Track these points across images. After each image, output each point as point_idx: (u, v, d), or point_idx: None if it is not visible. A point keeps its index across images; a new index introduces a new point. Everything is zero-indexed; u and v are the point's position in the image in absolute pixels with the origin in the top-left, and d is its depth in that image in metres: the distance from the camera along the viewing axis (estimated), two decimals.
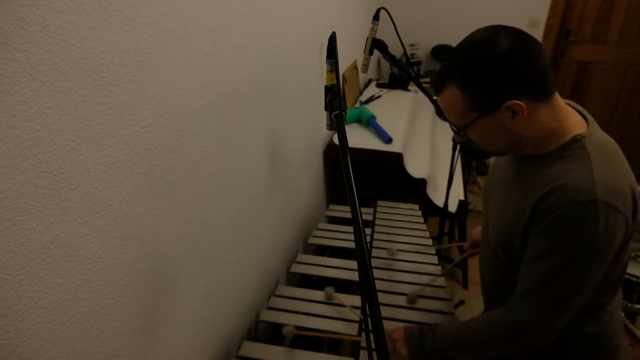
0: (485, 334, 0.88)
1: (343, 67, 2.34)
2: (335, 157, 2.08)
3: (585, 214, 0.72)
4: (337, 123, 0.74)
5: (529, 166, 0.83)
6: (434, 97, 0.86)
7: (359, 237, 0.55)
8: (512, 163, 0.90)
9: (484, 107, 0.76)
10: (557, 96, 0.79)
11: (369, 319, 0.51)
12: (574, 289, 0.77)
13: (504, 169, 0.94)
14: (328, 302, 1.30)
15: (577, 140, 0.77)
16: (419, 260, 1.50)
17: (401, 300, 1.30)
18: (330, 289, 1.31)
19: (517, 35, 0.73)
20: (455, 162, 1.66)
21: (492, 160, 3.49)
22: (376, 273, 1.42)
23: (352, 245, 1.60)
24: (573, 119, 0.81)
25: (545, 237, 0.77)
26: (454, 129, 0.84)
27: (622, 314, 1.89)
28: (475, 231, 1.30)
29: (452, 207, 1.98)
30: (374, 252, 1.56)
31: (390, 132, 2.02)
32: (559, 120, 0.79)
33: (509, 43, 0.72)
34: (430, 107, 2.82)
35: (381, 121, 2.12)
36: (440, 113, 1.56)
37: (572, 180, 0.73)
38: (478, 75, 0.74)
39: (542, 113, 0.77)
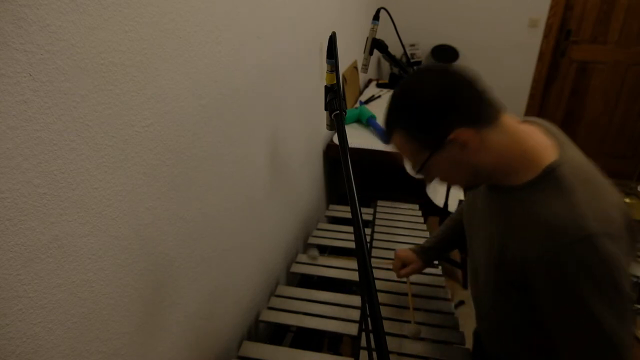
0: None
1: (343, 67, 2.34)
2: (335, 157, 2.08)
3: (586, 254, 0.65)
4: (337, 123, 0.74)
5: (505, 199, 0.78)
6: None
7: (359, 237, 0.55)
8: (489, 193, 0.85)
9: (431, 144, 0.75)
10: (507, 119, 0.76)
11: (369, 319, 0.51)
12: (625, 334, 0.67)
13: (481, 198, 0.89)
14: (327, 302, 1.30)
15: (552, 169, 0.71)
16: None
17: (401, 301, 1.30)
18: (314, 251, 1.29)
19: (442, 71, 0.75)
20: None
21: None
22: (376, 273, 1.42)
23: (352, 245, 1.60)
24: (534, 140, 0.76)
25: (561, 301, 0.69)
26: (413, 170, 0.82)
27: None
28: (400, 250, 1.25)
29: (452, 207, 1.98)
30: (374, 252, 1.56)
31: None
32: (517, 142, 0.75)
33: (433, 79, 0.74)
34: None
35: (381, 121, 2.11)
36: None
37: (556, 219, 0.67)
38: (415, 116, 0.74)
39: (493, 138, 0.74)
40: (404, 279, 1.28)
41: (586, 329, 0.68)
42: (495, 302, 0.89)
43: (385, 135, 0.82)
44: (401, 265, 1.24)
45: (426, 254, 1.22)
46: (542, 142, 0.76)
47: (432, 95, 0.73)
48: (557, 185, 0.70)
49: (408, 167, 0.87)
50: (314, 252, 1.32)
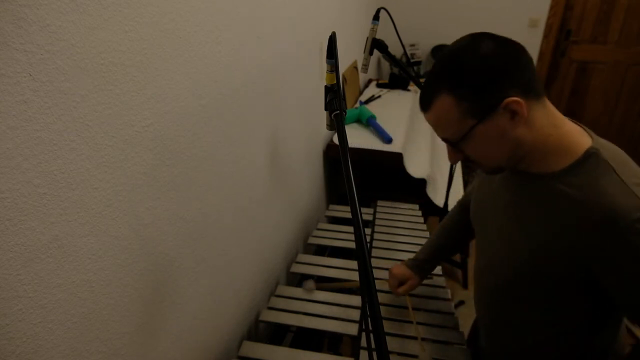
0: None
1: (343, 67, 2.34)
2: (335, 157, 2.08)
3: None
4: (337, 123, 0.74)
5: (542, 187, 0.76)
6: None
7: (359, 237, 0.55)
8: (513, 181, 0.83)
9: (481, 110, 0.71)
10: (547, 101, 0.76)
11: (369, 319, 0.51)
12: None
13: (500, 189, 0.87)
14: (327, 302, 1.30)
15: (592, 153, 0.71)
16: None
17: (401, 301, 1.30)
18: (310, 283, 1.29)
19: (498, 38, 0.72)
20: None
21: None
22: (376, 273, 1.42)
23: (352, 245, 1.60)
24: (570, 125, 0.77)
25: (631, 277, 0.69)
26: (450, 143, 0.78)
27: None
28: (395, 268, 1.21)
29: (452, 207, 1.98)
30: (374, 252, 1.56)
31: (390, 132, 2.02)
32: (556, 125, 0.75)
33: (493, 44, 0.71)
34: None
35: (381, 121, 2.12)
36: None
37: (614, 200, 0.66)
38: (469, 76, 0.70)
39: (538, 114, 0.73)
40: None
41: None
42: (519, 297, 0.86)
43: (424, 100, 0.76)
44: (398, 283, 1.19)
45: (421, 268, 1.19)
46: (576, 128, 0.77)
47: (490, 57, 0.69)
48: (602, 168, 0.70)
49: (447, 153, 0.81)
50: (310, 284, 1.30)
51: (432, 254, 1.20)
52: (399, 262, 1.25)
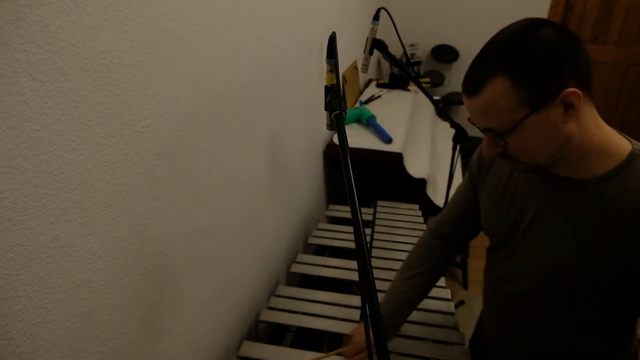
0: None
1: (343, 67, 2.34)
2: (335, 157, 2.08)
3: None
4: (337, 123, 0.74)
5: (587, 190, 0.72)
6: (467, 98, 0.73)
7: (359, 237, 0.55)
8: (551, 186, 0.78)
9: (539, 99, 0.65)
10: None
11: (369, 319, 0.51)
12: None
13: (535, 195, 0.81)
14: (327, 302, 1.30)
15: (637, 155, 0.69)
16: None
17: None
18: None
19: (559, 25, 0.67)
20: (455, 162, 1.65)
21: None
22: (376, 273, 1.42)
23: (352, 245, 1.60)
24: (607, 127, 0.73)
25: None
26: (496, 133, 0.71)
27: None
28: (355, 333, 1.03)
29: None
30: (374, 252, 1.56)
31: (390, 132, 2.02)
32: (599, 125, 0.72)
33: (554, 30, 0.65)
34: (430, 107, 2.82)
35: (381, 121, 2.12)
36: (441, 113, 1.56)
37: None
38: (532, 61, 0.64)
39: (587, 112, 0.69)
40: None
41: None
42: (555, 301, 0.82)
43: (474, 83, 0.69)
44: (355, 350, 1.00)
45: (395, 325, 1.03)
46: (611, 129, 0.74)
47: (553, 43, 0.64)
48: None
49: (486, 144, 0.74)
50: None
51: (399, 308, 1.02)
52: (357, 325, 1.10)
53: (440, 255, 1.06)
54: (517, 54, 0.65)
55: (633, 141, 0.74)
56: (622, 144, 0.72)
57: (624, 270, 0.71)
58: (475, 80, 0.69)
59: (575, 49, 0.66)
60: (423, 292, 1.06)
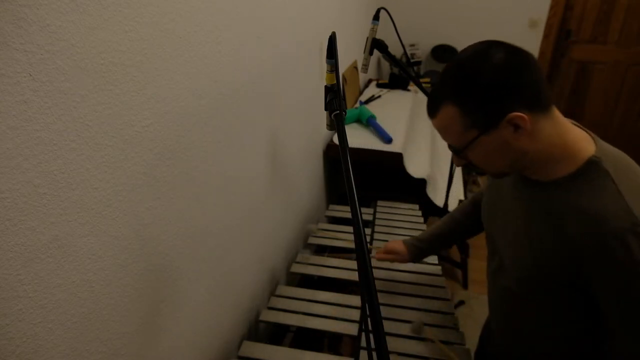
0: None
1: (343, 67, 2.34)
2: (335, 157, 2.08)
3: (636, 242, 0.65)
4: (337, 123, 0.74)
5: (544, 194, 0.77)
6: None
7: (359, 237, 0.55)
8: (520, 188, 0.84)
9: (484, 123, 0.72)
10: (555, 109, 0.75)
11: (368, 319, 0.51)
12: None
13: (509, 194, 0.87)
14: (327, 302, 1.30)
15: (594, 162, 0.72)
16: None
17: (401, 301, 1.30)
18: (418, 323, 1.18)
19: (508, 49, 0.71)
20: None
21: None
22: (376, 273, 1.42)
23: (352, 245, 1.60)
24: (574, 133, 0.76)
25: (615, 287, 0.69)
26: (454, 150, 0.80)
27: None
28: (392, 242, 1.28)
29: (452, 207, 1.98)
30: (373, 261, 1.56)
31: (390, 132, 2.02)
32: (562, 134, 0.75)
33: (502, 56, 0.70)
34: None
35: (381, 121, 2.12)
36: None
37: (605, 210, 0.67)
38: (475, 90, 0.70)
39: (543, 126, 0.73)
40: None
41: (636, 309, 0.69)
42: (529, 300, 0.86)
43: (431, 107, 0.77)
44: (386, 252, 1.26)
45: (417, 248, 1.23)
46: (581, 135, 0.77)
47: (498, 71, 0.69)
48: (601, 176, 0.71)
49: (453, 158, 0.84)
50: (419, 324, 1.17)
51: (431, 237, 1.23)
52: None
53: (474, 216, 1.11)
54: (463, 85, 0.72)
55: (600, 146, 0.75)
56: (585, 150, 0.74)
57: (576, 274, 0.73)
58: (432, 105, 0.77)
59: (523, 73, 0.70)
60: (452, 232, 1.21)
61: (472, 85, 0.71)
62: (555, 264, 0.75)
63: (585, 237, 0.69)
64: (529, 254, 0.80)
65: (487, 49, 0.72)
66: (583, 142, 0.75)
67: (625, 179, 0.70)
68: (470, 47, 0.75)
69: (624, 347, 0.73)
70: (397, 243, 1.27)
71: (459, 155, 0.79)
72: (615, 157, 0.74)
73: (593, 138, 0.77)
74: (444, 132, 0.78)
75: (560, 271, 0.75)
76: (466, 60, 0.73)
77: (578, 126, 0.80)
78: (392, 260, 1.27)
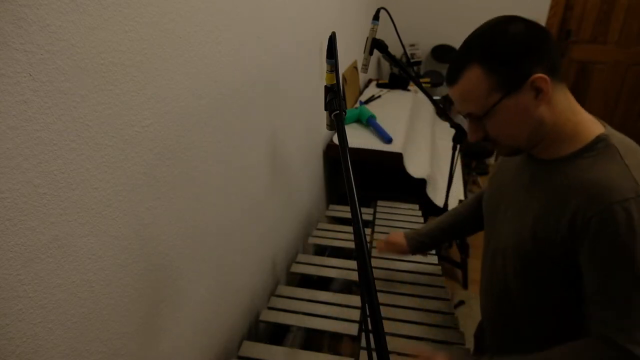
0: None
1: (343, 67, 2.34)
2: (335, 157, 2.08)
3: (636, 211, 0.67)
4: (337, 123, 0.74)
5: (550, 169, 0.79)
6: (448, 88, 0.83)
7: (359, 237, 0.55)
8: (527, 168, 0.86)
9: (509, 84, 0.73)
10: (567, 88, 0.78)
11: (368, 319, 0.51)
12: None
13: (515, 175, 0.89)
14: (327, 302, 1.30)
15: (602, 139, 0.74)
16: (419, 260, 1.50)
17: (401, 301, 1.30)
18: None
19: (527, 20, 0.75)
20: (455, 162, 1.65)
21: (492, 160, 3.49)
22: (376, 273, 1.42)
23: (352, 245, 1.60)
24: (586, 114, 0.79)
25: (608, 253, 0.70)
26: (474, 118, 0.79)
27: None
28: (393, 235, 1.28)
29: (452, 207, 1.98)
30: (374, 252, 1.56)
31: (390, 132, 2.02)
32: (575, 112, 0.78)
33: (522, 24, 0.74)
34: (430, 107, 2.82)
35: (381, 121, 2.12)
36: (441, 113, 1.57)
37: (611, 180, 0.69)
38: (502, 49, 0.73)
39: (560, 97, 0.76)
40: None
41: (636, 286, 0.69)
42: (522, 282, 0.87)
43: (453, 73, 0.78)
44: (386, 244, 1.28)
45: (417, 241, 1.24)
46: (591, 117, 0.80)
47: (520, 34, 0.73)
48: (609, 152, 0.73)
49: (467, 128, 0.83)
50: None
51: (431, 231, 1.24)
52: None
53: (477, 211, 1.11)
54: (488, 44, 0.74)
55: (609, 128, 0.78)
56: (594, 129, 0.77)
57: (573, 250, 0.75)
58: (454, 70, 0.78)
59: (542, 41, 0.73)
60: (453, 225, 1.21)
61: (498, 45, 0.73)
62: (554, 239, 0.76)
63: (588, 205, 0.70)
64: (529, 230, 0.81)
65: (506, 19, 0.76)
66: (593, 123, 0.78)
67: (632, 156, 0.72)
68: (491, 19, 0.77)
69: (597, 313, 0.74)
70: (398, 235, 1.27)
71: (479, 122, 0.79)
72: (623, 139, 0.77)
73: (602, 122, 0.79)
74: (465, 97, 0.78)
75: (557, 246, 0.76)
76: (489, 27, 0.76)
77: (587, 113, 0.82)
78: (392, 252, 1.28)
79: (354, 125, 2.20)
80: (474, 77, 0.75)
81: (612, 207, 0.68)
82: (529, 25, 0.74)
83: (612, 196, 0.68)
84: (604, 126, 0.78)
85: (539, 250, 0.80)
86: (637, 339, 0.69)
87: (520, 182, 0.87)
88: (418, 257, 1.51)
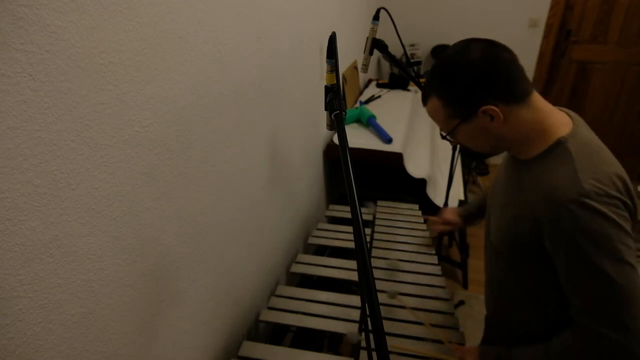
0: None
1: (343, 67, 2.34)
2: (335, 157, 2.08)
3: (580, 212, 0.72)
4: (337, 123, 0.74)
5: (521, 170, 0.87)
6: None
7: (359, 237, 0.55)
8: (510, 167, 0.93)
9: (463, 113, 0.82)
10: (535, 97, 0.83)
11: (368, 319, 0.50)
12: (631, 279, 0.72)
13: (505, 174, 0.96)
14: (327, 302, 1.30)
15: (561, 142, 0.80)
16: (419, 260, 1.50)
17: (401, 301, 1.30)
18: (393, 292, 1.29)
19: (486, 46, 0.80)
20: (455, 162, 1.65)
21: (492, 160, 3.49)
22: (376, 273, 1.42)
23: (352, 245, 1.60)
24: (555, 118, 0.83)
25: (564, 251, 0.76)
26: (442, 134, 0.91)
27: None
28: (447, 212, 1.37)
29: (452, 207, 1.98)
30: (374, 252, 1.56)
31: (390, 132, 2.02)
32: (539, 120, 0.82)
33: (477, 54, 0.79)
34: None
35: (381, 121, 2.12)
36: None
37: (557, 182, 0.76)
38: (452, 86, 0.81)
39: (519, 114, 0.81)
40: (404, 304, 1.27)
41: (592, 277, 0.74)
42: (511, 275, 0.94)
43: (423, 97, 0.90)
44: (442, 222, 1.36)
45: (468, 212, 1.33)
46: (561, 120, 0.84)
47: (472, 70, 0.79)
48: (562, 155, 0.78)
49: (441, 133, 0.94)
50: (394, 292, 1.29)
51: (480, 201, 1.30)
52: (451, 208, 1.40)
53: None
54: (444, 80, 0.83)
55: (575, 129, 0.81)
56: (559, 132, 0.81)
57: (534, 240, 0.81)
58: (423, 95, 0.89)
59: (497, 70, 0.79)
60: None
61: (450, 83, 0.82)
62: (524, 232, 0.83)
63: (541, 205, 0.78)
64: (505, 222, 0.90)
65: (467, 46, 0.81)
66: (560, 127, 0.83)
67: (585, 158, 0.77)
68: (454, 45, 0.84)
69: (571, 301, 0.80)
70: (451, 213, 1.36)
71: (446, 138, 0.91)
72: (585, 141, 0.80)
73: (574, 122, 0.84)
74: (433, 117, 0.90)
75: (529, 238, 0.83)
76: (448, 58, 0.83)
77: (566, 112, 0.87)
78: (449, 231, 1.38)
79: (354, 125, 2.19)
80: (435, 105, 0.86)
81: (559, 209, 0.74)
82: (485, 53, 0.79)
83: (558, 198, 0.74)
84: (573, 126, 0.82)
85: (517, 246, 0.87)
86: (606, 322, 0.74)
87: (505, 180, 0.94)
88: (418, 257, 1.52)
